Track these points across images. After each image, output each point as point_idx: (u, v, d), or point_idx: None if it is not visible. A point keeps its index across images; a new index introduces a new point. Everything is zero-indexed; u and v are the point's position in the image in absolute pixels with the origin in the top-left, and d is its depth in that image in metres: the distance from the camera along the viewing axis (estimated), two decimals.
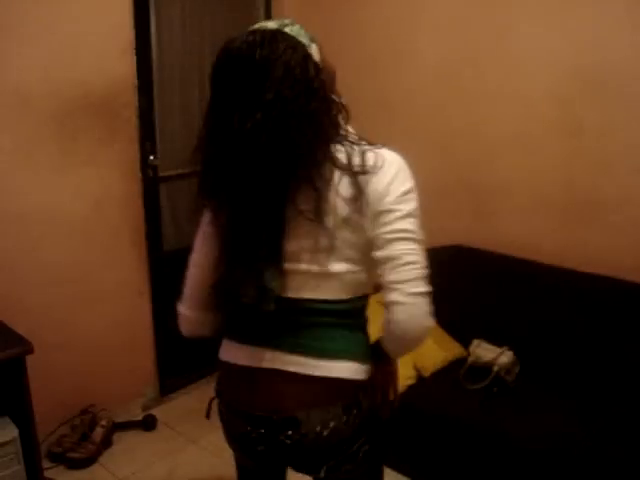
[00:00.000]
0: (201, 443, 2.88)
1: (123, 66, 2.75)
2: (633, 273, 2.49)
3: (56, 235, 2.65)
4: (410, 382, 2.50)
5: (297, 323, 1.31)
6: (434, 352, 2.55)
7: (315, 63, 1.23)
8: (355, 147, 1.25)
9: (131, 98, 2.81)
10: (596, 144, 2.60)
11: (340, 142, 1.24)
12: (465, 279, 2.79)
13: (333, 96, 1.28)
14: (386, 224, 1.23)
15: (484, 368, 2.43)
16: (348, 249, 1.26)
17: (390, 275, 1.23)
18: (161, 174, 3.06)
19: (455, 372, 2.50)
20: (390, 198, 1.22)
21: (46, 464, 2.59)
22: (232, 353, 1.45)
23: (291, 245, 1.26)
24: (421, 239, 1.25)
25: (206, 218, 1.36)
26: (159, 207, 3.09)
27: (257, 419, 1.34)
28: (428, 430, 2.43)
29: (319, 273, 1.26)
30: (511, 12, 2.72)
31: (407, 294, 1.21)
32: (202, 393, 3.32)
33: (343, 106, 1.29)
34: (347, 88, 1.40)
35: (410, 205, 1.24)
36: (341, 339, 1.32)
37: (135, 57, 2.79)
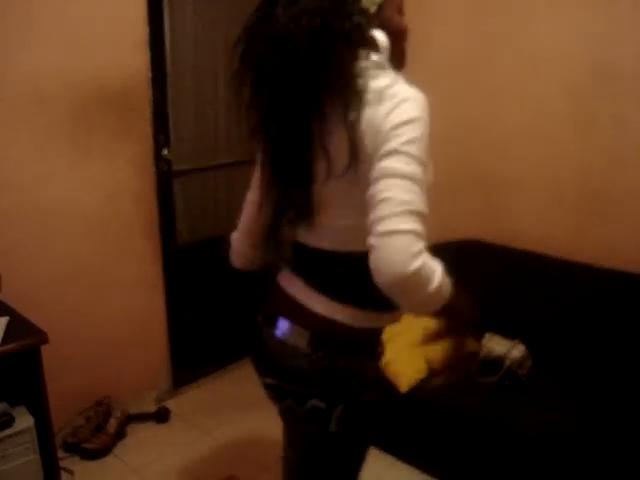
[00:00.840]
0: (214, 435, 2.90)
1: (137, 60, 2.77)
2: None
3: (70, 228, 2.68)
4: (421, 376, 2.50)
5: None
6: (446, 345, 2.54)
7: None
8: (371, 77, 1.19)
9: (145, 92, 2.83)
10: (609, 138, 2.58)
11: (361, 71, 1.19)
12: (477, 273, 2.77)
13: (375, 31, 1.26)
14: (374, 163, 1.13)
15: (496, 362, 2.43)
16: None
17: (367, 219, 1.13)
18: (175, 168, 3.07)
19: (467, 366, 2.49)
20: (382, 132, 1.13)
21: (61, 454, 2.61)
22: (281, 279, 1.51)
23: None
24: (413, 173, 1.10)
25: (259, 157, 1.41)
26: (173, 201, 3.10)
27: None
28: (439, 423, 2.43)
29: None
30: (527, 5, 2.71)
31: (376, 235, 1.09)
32: (215, 386, 3.35)
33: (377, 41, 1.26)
34: None
35: (403, 137, 1.11)
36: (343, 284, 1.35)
37: (149, 51, 2.80)
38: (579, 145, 2.65)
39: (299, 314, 1.37)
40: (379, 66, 1.23)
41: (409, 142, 1.11)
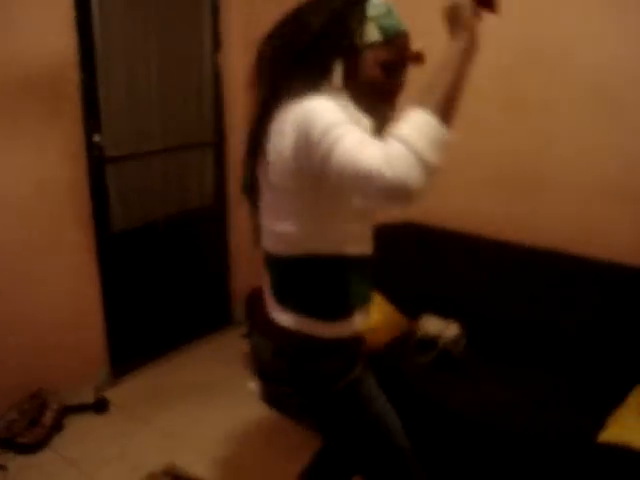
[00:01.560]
0: (154, 424, 2.87)
1: (63, 41, 2.68)
2: (575, 246, 2.56)
3: None
4: None
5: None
6: (382, 326, 2.57)
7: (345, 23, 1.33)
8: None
9: (73, 75, 2.74)
10: (538, 120, 2.64)
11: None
12: (414, 255, 2.82)
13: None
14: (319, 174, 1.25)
15: (432, 342, 2.46)
16: None
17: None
18: (108, 154, 3.00)
19: (403, 346, 2.53)
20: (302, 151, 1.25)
21: None
22: None
23: None
24: (343, 147, 1.17)
25: None
26: (106, 188, 3.03)
27: None
28: None
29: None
30: None
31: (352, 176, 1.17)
32: (155, 374, 3.32)
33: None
34: None
35: (321, 144, 1.20)
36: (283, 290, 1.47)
37: (76, 32, 2.71)
38: (511, 127, 2.70)
39: (265, 323, 1.51)
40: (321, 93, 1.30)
41: (326, 141, 1.19)
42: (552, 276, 2.54)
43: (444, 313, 2.60)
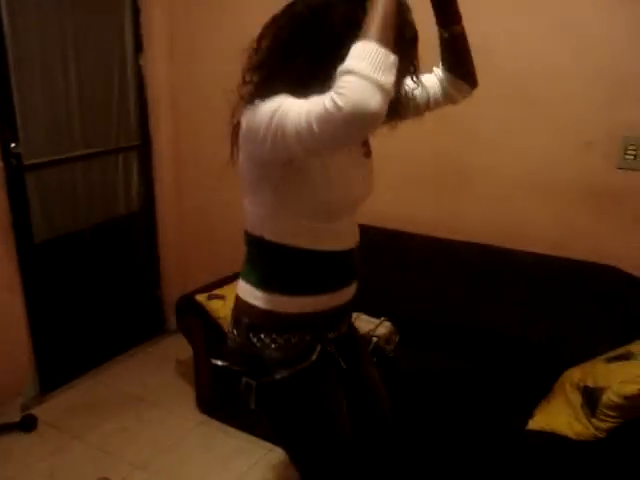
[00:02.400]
0: (86, 439, 2.79)
1: None
2: (501, 240, 2.62)
3: None
4: None
5: None
6: None
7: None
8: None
9: None
10: (462, 118, 2.67)
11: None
12: None
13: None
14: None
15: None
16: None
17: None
18: (26, 162, 2.88)
19: None
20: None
21: None
22: None
23: None
24: (290, 117, 1.16)
25: None
26: (26, 197, 2.92)
27: None
28: None
29: None
30: None
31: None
32: (87, 388, 3.22)
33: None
34: None
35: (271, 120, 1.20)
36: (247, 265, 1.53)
37: None
38: (432, 123, 2.72)
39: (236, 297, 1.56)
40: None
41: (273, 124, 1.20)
42: (480, 270, 2.59)
43: (373, 311, 2.61)
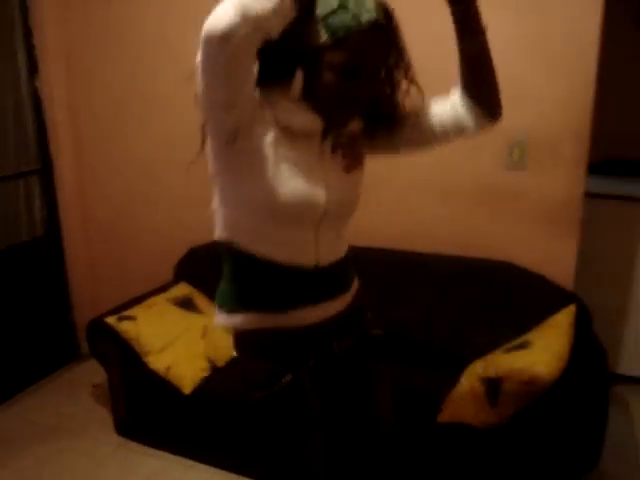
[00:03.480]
0: (12, 466, 2.70)
1: None
2: (398, 242, 2.75)
3: None
4: (205, 374, 2.53)
5: None
6: (226, 341, 2.56)
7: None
8: None
9: None
10: None
11: None
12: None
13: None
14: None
15: None
16: None
17: None
18: None
19: None
20: None
21: None
22: None
23: None
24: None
25: None
26: None
27: None
28: (228, 418, 2.46)
29: None
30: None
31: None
32: (11, 415, 3.10)
33: None
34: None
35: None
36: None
37: None
38: None
39: None
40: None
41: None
42: (382, 273, 2.67)
43: None
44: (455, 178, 2.65)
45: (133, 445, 2.84)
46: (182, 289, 2.93)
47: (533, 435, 2.07)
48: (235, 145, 1.26)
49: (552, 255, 2.56)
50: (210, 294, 2.91)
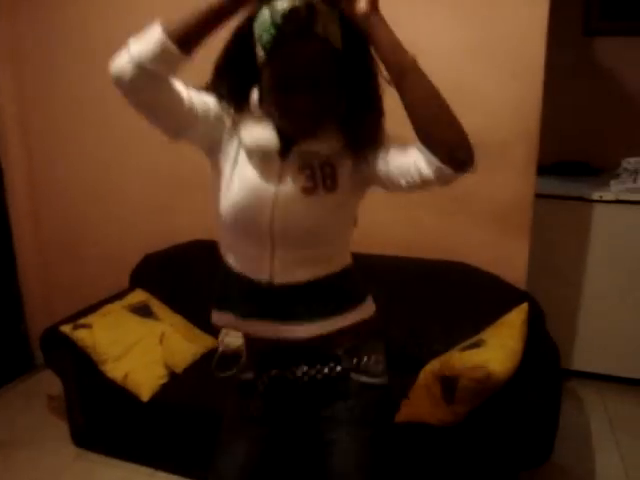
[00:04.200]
0: None
1: None
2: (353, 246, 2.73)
3: None
4: (163, 381, 2.51)
5: None
6: (184, 347, 2.57)
7: None
8: None
9: None
10: None
11: None
12: (203, 271, 2.84)
13: None
14: None
15: (235, 355, 2.50)
16: None
17: None
18: None
19: (207, 364, 2.54)
20: None
21: None
22: None
23: None
24: None
25: None
26: None
27: None
28: (185, 423, 2.45)
29: None
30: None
31: None
32: None
33: None
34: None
35: None
36: None
37: None
38: None
39: None
40: None
41: None
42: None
43: None
44: None
45: (92, 455, 2.79)
46: (138, 296, 2.90)
47: (488, 431, 2.10)
48: (210, 158, 1.42)
49: (504, 255, 2.62)
50: (167, 300, 2.92)
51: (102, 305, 2.82)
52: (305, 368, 1.51)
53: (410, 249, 2.68)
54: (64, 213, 3.43)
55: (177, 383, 2.53)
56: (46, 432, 2.99)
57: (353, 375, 1.50)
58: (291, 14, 1.19)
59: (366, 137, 1.35)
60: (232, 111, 1.36)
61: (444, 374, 2.18)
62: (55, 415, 3.11)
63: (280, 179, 1.36)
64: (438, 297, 2.57)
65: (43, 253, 3.55)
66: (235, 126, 1.37)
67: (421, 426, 2.15)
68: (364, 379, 1.50)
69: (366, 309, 1.56)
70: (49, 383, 3.24)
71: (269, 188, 1.36)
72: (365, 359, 1.51)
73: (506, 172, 2.55)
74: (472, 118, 2.48)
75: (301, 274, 1.43)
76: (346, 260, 1.55)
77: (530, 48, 2.41)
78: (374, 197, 2.70)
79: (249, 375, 1.58)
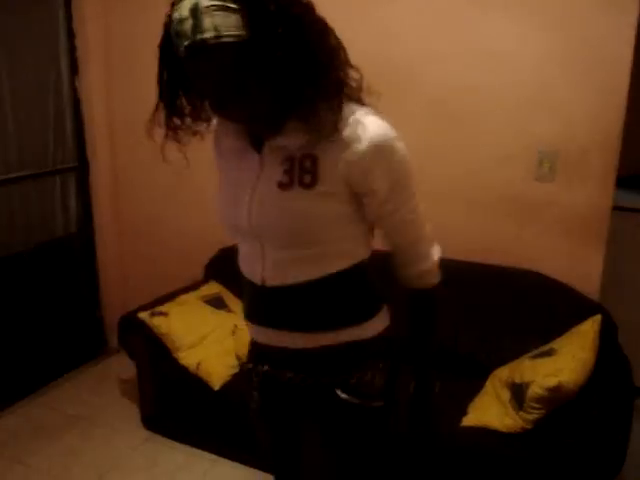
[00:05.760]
0: (29, 462, 2.76)
1: None
2: None
3: None
4: (234, 371, 2.59)
5: None
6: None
7: None
8: None
9: None
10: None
11: None
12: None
13: None
14: None
15: None
16: None
17: None
18: None
19: None
20: None
21: None
22: None
23: None
24: None
25: None
26: None
27: None
28: None
29: None
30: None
31: None
32: (29, 411, 3.18)
33: None
34: None
35: None
36: None
37: None
38: None
39: None
40: None
41: None
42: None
43: None
44: (484, 187, 2.69)
45: (159, 438, 2.90)
46: (212, 288, 2.99)
47: (556, 441, 2.09)
48: None
49: (579, 266, 2.59)
50: (239, 294, 3.00)
51: (178, 295, 2.92)
52: (290, 374, 1.42)
53: (484, 255, 2.68)
54: (143, 207, 3.57)
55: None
56: (117, 413, 3.12)
57: (339, 392, 1.38)
58: (182, 26, 1.09)
59: (323, 125, 1.19)
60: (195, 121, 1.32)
61: (514, 381, 2.18)
62: (126, 397, 3.24)
63: (259, 173, 1.30)
64: (510, 304, 2.56)
65: (122, 244, 3.71)
66: (208, 127, 1.37)
67: (487, 431, 2.15)
68: (350, 399, 1.38)
69: (370, 327, 1.40)
70: (121, 367, 3.39)
71: (247, 183, 1.31)
72: (356, 378, 1.38)
73: (584, 182, 2.53)
74: (552, 126, 2.51)
75: (293, 275, 1.32)
76: (346, 263, 1.34)
77: (616, 56, 2.38)
78: (449, 201, 2.75)
79: (249, 365, 1.55)
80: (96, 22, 3.36)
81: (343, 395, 1.29)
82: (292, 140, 1.23)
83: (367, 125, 1.22)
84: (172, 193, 3.45)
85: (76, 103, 3.39)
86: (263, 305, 1.40)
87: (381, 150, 1.22)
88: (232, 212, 1.35)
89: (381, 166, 1.23)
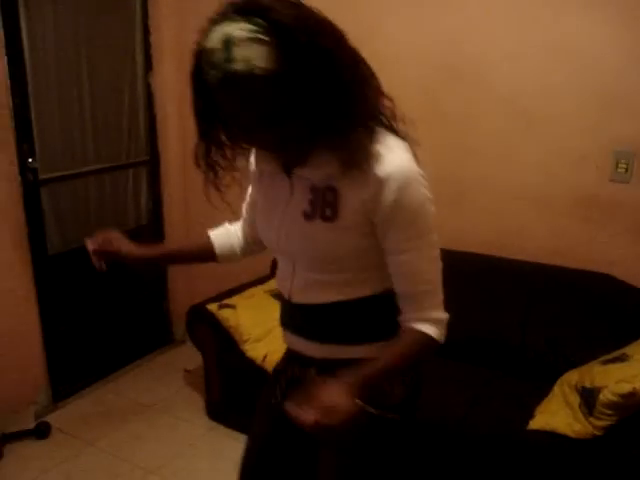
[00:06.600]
0: (98, 445, 2.86)
1: None
2: (496, 249, 2.76)
3: None
4: None
5: None
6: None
7: None
8: None
9: (4, 100, 2.74)
10: (460, 132, 2.81)
11: None
12: None
13: None
14: None
15: None
16: None
17: None
18: (42, 177, 2.99)
19: None
20: None
21: None
22: None
23: None
24: None
25: None
26: (41, 211, 3.02)
27: None
28: None
29: None
30: (377, 11, 2.87)
31: None
32: (98, 396, 3.30)
33: None
34: None
35: None
36: None
37: (5, 57, 2.71)
38: (431, 140, 2.85)
39: None
40: None
41: None
42: (479, 279, 2.69)
43: None
44: (558, 188, 2.65)
45: (223, 429, 2.96)
46: None
47: (627, 450, 2.04)
48: None
49: None
50: None
51: (245, 288, 2.98)
52: (314, 370, 1.45)
53: (553, 257, 2.64)
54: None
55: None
56: (183, 402, 3.21)
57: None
58: (213, 57, 1.09)
59: (354, 158, 1.18)
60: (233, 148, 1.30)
61: (584, 385, 2.14)
62: (191, 387, 3.32)
63: (289, 198, 1.32)
64: (580, 308, 2.51)
65: (190, 238, 3.78)
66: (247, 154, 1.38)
67: (554, 436, 2.12)
68: (365, 407, 1.29)
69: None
70: (186, 358, 3.48)
71: (279, 206, 1.35)
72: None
73: None
74: (629, 126, 2.45)
75: (315, 296, 1.37)
76: (369, 290, 1.35)
77: None
78: (520, 201, 2.71)
79: (281, 366, 1.62)
80: (171, 19, 3.45)
81: (359, 401, 1.23)
82: (316, 172, 1.24)
83: (389, 162, 1.20)
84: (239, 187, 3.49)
85: (149, 99, 3.49)
86: (290, 316, 1.47)
87: (396, 186, 1.20)
88: (266, 233, 1.42)
89: (388, 198, 1.20)
